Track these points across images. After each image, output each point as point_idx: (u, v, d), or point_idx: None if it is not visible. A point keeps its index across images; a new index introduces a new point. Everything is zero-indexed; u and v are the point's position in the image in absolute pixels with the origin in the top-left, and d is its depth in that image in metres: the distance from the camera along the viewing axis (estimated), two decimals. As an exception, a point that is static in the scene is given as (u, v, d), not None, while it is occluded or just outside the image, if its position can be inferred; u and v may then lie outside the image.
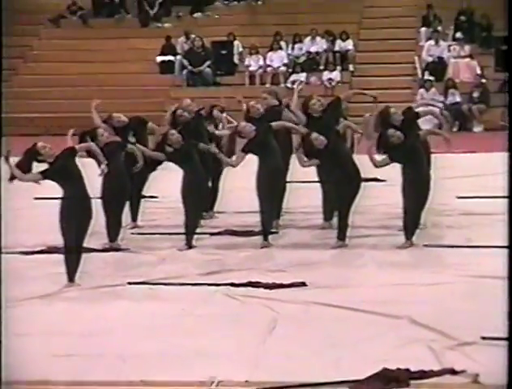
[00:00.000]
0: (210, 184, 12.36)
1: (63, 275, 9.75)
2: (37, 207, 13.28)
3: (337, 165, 11.13)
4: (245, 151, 11.41)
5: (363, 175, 12.71)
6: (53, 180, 9.78)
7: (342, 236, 11.16)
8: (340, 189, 11.21)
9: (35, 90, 26.38)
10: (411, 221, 11.01)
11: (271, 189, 11.36)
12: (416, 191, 10.91)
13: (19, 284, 9.50)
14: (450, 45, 25.57)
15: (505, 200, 12.23)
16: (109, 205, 11.32)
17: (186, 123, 12.23)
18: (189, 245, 11.30)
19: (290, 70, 25.97)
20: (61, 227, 9.71)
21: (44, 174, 9.76)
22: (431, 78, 24.58)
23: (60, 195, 9.77)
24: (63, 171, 9.72)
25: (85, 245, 10.13)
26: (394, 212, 11.19)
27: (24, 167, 9.79)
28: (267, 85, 24.09)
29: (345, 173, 11.09)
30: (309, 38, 26.26)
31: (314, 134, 11.03)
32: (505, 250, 10.59)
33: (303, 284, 9.45)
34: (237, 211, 12.92)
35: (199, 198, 11.49)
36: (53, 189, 9.79)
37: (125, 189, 11.51)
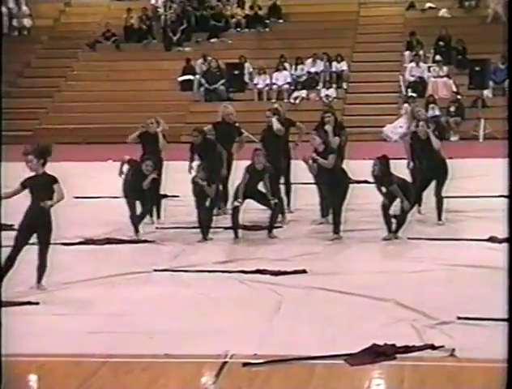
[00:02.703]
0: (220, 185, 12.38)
1: (99, 263, 9.72)
2: (76, 205, 13.22)
3: (327, 171, 11.14)
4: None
5: (355, 178, 12.72)
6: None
7: (337, 230, 11.12)
8: (331, 190, 11.20)
9: (74, 105, 26.35)
10: (397, 218, 11.03)
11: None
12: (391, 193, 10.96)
13: (61, 271, 9.45)
14: (430, 66, 25.53)
15: (495, 199, 12.25)
16: (132, 204, 11.39)
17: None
18: (206, 238, 11.27)
19: (292, 87, 25.95)
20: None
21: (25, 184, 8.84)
22: (413, 94, 24.53)
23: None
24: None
25: (116, 237, 10.04)
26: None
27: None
28: (273, 100, 24.02)
29: (334, 177, 11.08)
30: (309, 60, 26.23)
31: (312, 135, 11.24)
32: (478, 243, 10.62)
33: (304, 272, 9.41)
34: (247, 209, 12.87)
35: (209, 197, 11.45)
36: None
37: (144, 192, 11.46)
